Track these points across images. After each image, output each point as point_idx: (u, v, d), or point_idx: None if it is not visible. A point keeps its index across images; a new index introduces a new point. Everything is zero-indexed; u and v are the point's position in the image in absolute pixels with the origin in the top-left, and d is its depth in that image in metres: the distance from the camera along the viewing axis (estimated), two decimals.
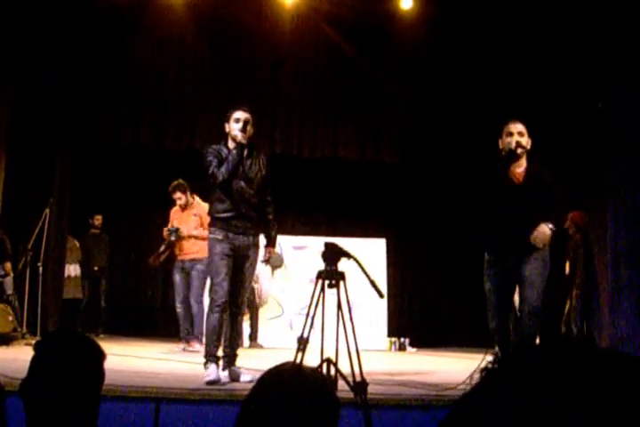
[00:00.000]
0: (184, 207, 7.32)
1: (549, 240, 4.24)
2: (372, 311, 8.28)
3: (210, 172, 4.48)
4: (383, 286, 7.90)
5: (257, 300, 8.14)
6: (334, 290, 3.88)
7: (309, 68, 8.36)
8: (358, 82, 8.42)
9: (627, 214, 6.24)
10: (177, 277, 7.27)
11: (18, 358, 5.17)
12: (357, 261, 4.20)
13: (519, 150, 4.31)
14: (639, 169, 6.17)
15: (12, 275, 7.67)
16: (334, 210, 9.53)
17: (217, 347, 4.49)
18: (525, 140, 4.35)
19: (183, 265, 7.26)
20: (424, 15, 8.04)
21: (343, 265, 4.02)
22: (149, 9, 7.99)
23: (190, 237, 7.18)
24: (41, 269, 7.56)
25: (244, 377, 4.41)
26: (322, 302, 3.83)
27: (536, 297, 4.29)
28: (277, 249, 8.65)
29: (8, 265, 7.65)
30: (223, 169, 4.44)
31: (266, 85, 8.36)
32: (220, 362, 4.49)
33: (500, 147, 4.44)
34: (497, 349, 6.54)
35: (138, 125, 8.30)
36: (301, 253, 8.57)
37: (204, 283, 7.08)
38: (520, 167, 4.37)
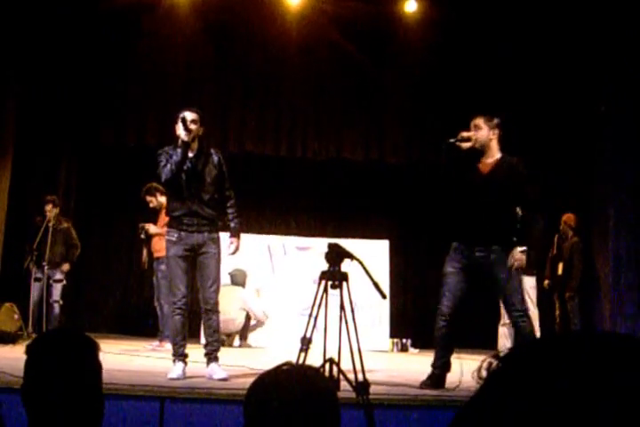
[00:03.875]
0: (158, 209, 7.39)
1: (526, 262, 4.35)
2: (374, 312, 8.30)
3: (157, 171, 4.61)
4: (386, 287, 7.91)
5: (255, 321, 8.20)
6: (337, 291, 3.91)
7: (314, 69, 8.39)
8: (362, 83, 8.44)
9: (628, 217, 6.26)
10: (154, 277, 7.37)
11: (23, 356, 5.21)
12: (360, 262, 4.22)
13: (465, 144, 4.37)
14: None
15: (64, 282, 7.70)
16: (338, 211, 9.54)
17: (182, 346, 4.60)
18: (482, 134, 4.40)
19: (155, 264, 7.34)
20: (428, 18, 8.07)
21: (346, 266, 4.05)
22: (155, 10, 8.03)
23: (156, 235, 7.25)
24: (46, 268, 7.59)
25: (218, 374, 4.44)
26: (325, 303, 3.86)
27: (521, 300, 4.37)
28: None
29: (66, 266, 7.69)
30: (167, 168, 4.55)
31: (271, 87, 8.39)
32: (188, 360, 4.59)
33: None
34: (500, 349, 6.57)
35: (143, 127, 8.34)
36: (305, 253, 8.59)
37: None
38: (491, 158, 4.44)
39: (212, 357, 4.58)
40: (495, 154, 4.45)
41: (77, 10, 7.76)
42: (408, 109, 8.46)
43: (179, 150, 4.57)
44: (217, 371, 4.50)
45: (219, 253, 4.71)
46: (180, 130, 4.63)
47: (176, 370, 4.48)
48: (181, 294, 4.58)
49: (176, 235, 4.61)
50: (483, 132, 4.41)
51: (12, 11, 7.34)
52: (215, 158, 4.75)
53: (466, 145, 4.39)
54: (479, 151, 4.42)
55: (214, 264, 4.67)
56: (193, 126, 4.61)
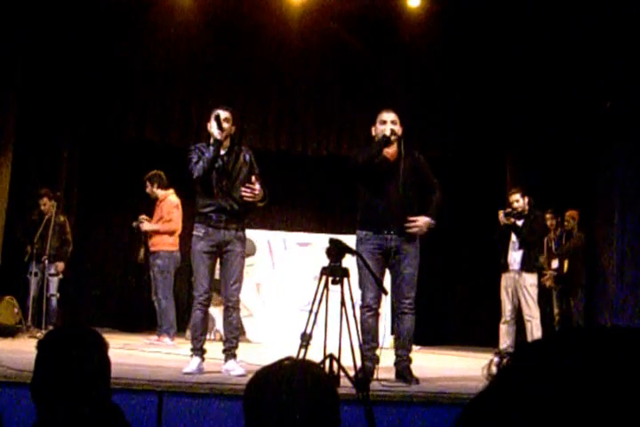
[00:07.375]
0: (153, 199, 7.39)
1: (423, 233, 4.63)
2: None
3: (188, 168, 4.65)
4: (387, 283, 7.90)
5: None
6: (338, 286, 3.89)
7: (316, 64, 8.36)
8: (364, 79, 8.41)
9: (634, 214, 6.24)
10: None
11: (22, 349, 5.22)
12: (362, 258, 4.21)
13: (393, 137, 4.61)
14: None
15: (60, 276, 7.72)
16: (339, 207, 9.52)
17: (201, 341, 4.64)
18: (398, 128, 4.68)
19: (151, 259, 7.33)
20: (431, 12, 8.04)
21: (347, 262, 4.03)
22: (156, 4, 8.00)
23: (150, 231, 7.24)
24: (47, 262, 7.59)
25: (236, 371, 4.48)
26: (325, 299, 3.84)
27: (414, 292, 4.64)
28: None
29: (61, 265, 7.73)
30: (199, 165, 4.60)
31: (272, 82, 8.36)
32: (205, 355, 4.64)
33: (374, 134, 4.78)
34: (501, 347, 6.56)
35: (143, 121, 8.33)
36: (306, 249, 8.58)
37: (168, 277, 7.15)
38: (393, 149, 4.72)
39: (230, 353, 4.63)
40: (395, 147, 4.73)
41: (79, 3, 7.73)
42: (410, 105, 8.42)
43: (211, 148, 4.63)
44: (235, 367, 4.53)
45: (244, 252, 4.78)
46: (212, 128, 4.68)
47: (192, 365, 4.52)
48: (203, 290, 4.62)
49: (203, 230, 4.65)
50: (399, 127, 4.72)
51: (13, 4, 7.31)
52: (246, 156, 4.81)
53: (394, 138, 4.66)
54: (384, 144, 4.62)
55: (238, 262, 4.72)
56: (226, 125, 4.67)
